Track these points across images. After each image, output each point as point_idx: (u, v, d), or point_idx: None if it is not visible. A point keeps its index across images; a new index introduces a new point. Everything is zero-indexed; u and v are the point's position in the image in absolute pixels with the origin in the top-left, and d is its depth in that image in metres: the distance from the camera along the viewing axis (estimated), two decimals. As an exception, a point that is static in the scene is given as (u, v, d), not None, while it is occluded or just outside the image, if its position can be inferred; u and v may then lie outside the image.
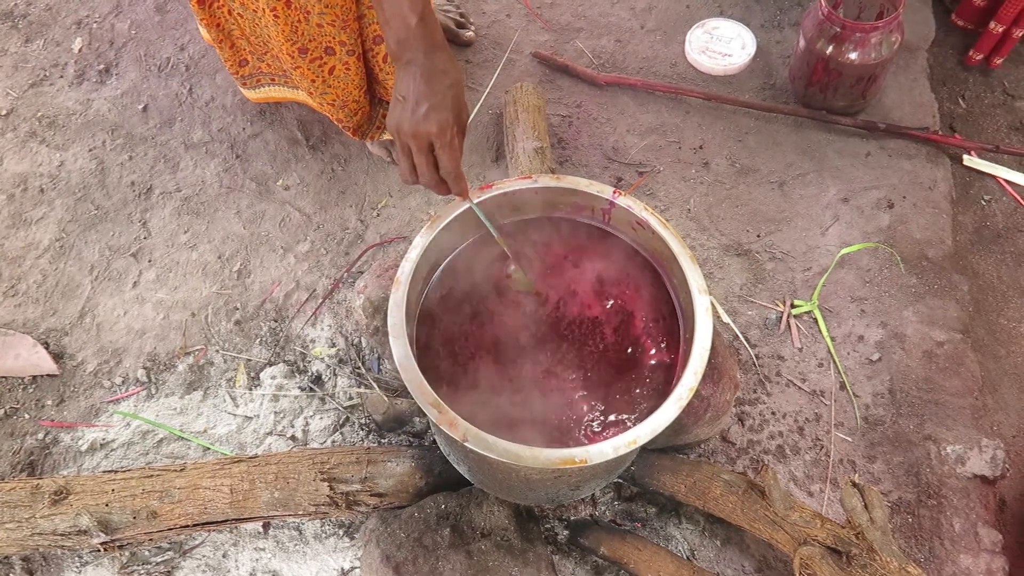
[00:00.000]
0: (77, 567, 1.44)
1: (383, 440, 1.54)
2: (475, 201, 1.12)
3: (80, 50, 2.11)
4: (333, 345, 1.65)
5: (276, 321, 1.69)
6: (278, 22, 1.39)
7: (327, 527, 1.45)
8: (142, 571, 1.43)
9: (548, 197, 1.20)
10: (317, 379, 1.61)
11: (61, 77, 2.07)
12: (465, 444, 0.96)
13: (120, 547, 1.32)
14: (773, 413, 1.55)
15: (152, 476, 1.30)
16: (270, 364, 1.63)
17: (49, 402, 1.61)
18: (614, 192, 1.15)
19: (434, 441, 1.49)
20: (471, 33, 2.06)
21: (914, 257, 1.71)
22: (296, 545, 1.44)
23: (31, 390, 1.63)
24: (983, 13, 1.98)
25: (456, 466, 1.28)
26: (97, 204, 1.86)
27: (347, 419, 1.56)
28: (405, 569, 1.25)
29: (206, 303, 1.72)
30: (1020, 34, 1.90)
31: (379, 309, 1.42)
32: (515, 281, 1.17)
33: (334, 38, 1.46)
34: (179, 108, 1.99)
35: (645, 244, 1.19)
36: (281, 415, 1.57)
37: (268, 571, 1.43)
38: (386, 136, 1.82)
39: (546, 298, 1.19)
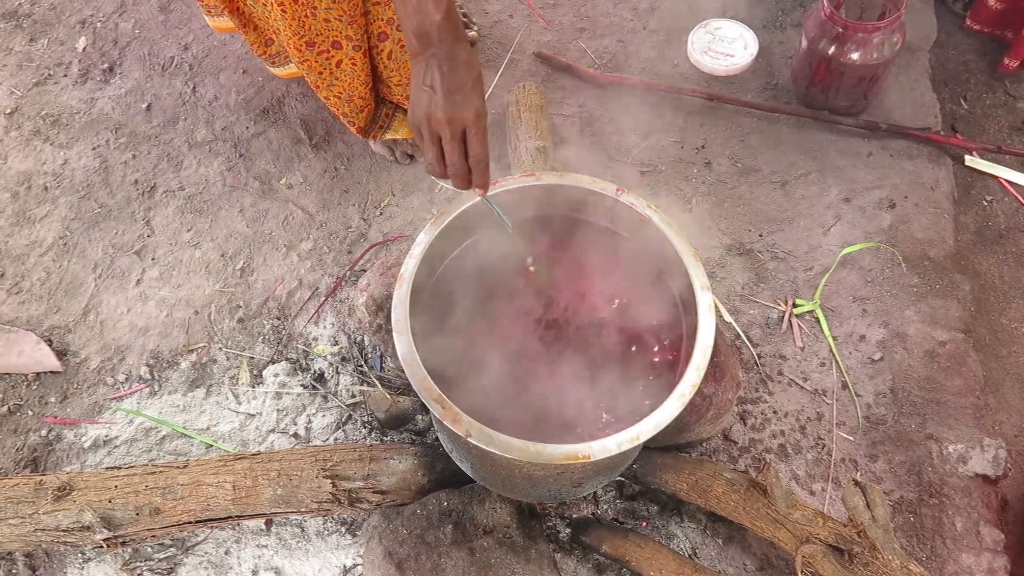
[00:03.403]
0: (80, 563, 1.44)
1: (385, 438, 1.54)
2: (489, 194, 1.12)
3: (84, 49, 2.11)
4: (336, 343, 1.65)
5: (279, 319, 1.69)
6: (285, 16, 1.40)
7: (329, 524, 1.45)
8: (144, 568, 1.43)
9: (551, 195, 1.20)
10: (320, 377, 1.61)
11: (65, 76, 2.08)
12: (468, 440, 0.96)
13: (123, 543, 1.32)
14: (775, 412, 1.55)
15: (155, 473, 1.30)
16: (273, 362, 1.63)
17: (52, 399, 1.62)
18: (617, 190, 1.16)
19: (436, 439, 1.50)
20: (474, 33, 2.07)
21: (916, 257, 1.72)
22: (298, 542, 1.44)
23: (35, 387, 1.64)
24: (1001, 17, 1.98)
25: (459, 463, 1.29)
26: (101, 202, 1.87)
27: (350, 417, 1.56)
28: (407, 566, 1.25)
29: (209, 301, 1.72)
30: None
31: (382, 307, 1.42)
32: (536, 275, 1.17)
33: (341, 33, 1.47)
34: (183, 107, 2.00)
35: (648, 242, 1.19)
36: (284, 413, 1.58)
37: (270, 568, 1.43)
38: (388, 135, 1.82)
39: (550, 295, 1.20)
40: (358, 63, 1.54)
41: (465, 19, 2.08)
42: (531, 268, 1.16)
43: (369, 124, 1.74)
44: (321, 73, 1.54)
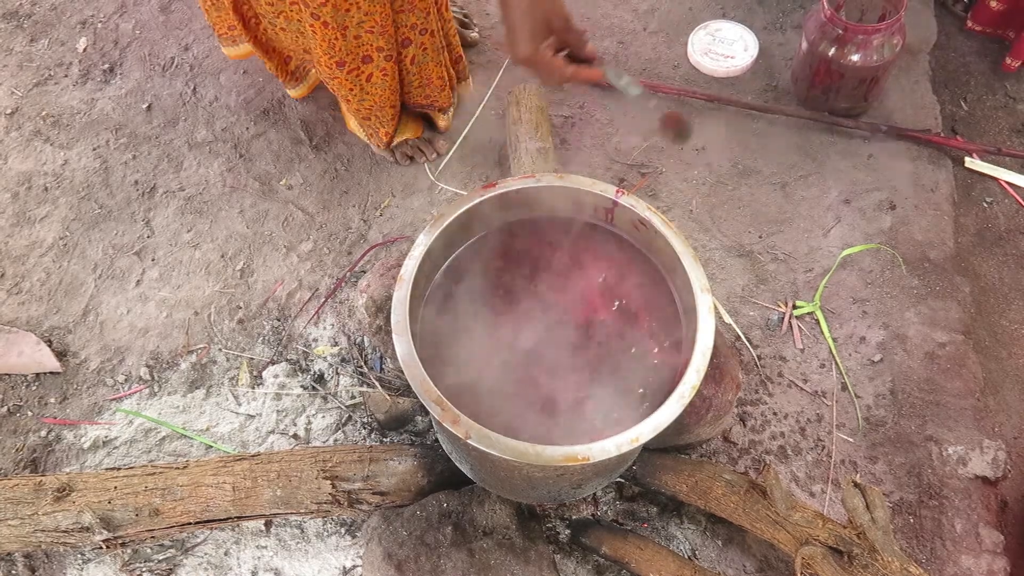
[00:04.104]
0: (79, 564, 1.44)
1: (385, 439, 1.54)
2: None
3: (85, 50, 2.11)
4: (335, 344, 1.65)
5: (279, 320, 1.69)
6: (316, 36, 1.42)
7: (329, 525, 1.45)
8: (144, 569, 1.43)
9: (551, 196, 1.20)
10: (319, 378, 1.61)
11: (66, 76, 2.08)
12: (468, 441, 0.96)
13: (122, 544, 1.32)
14: (775, 413, 1.55)
15: (155, 474, 1.30)
16: (273, 363, 1.63)
17: (52, 399, 1.62)
18: (617, 191, 1.16)
19: (436, 440, 1.50)
20: (475, 34, 2.07)
21: (916, 259, 1.72)
22: (298, 543, 1.44)
23: (34, 387, 1.64)
24: (1002, 17, 1.98)
25: (458, 464, 1.29)
26: (101, 203, 1.87)
27: (349, 418, 1.56)
28: (407, 567, 1.25)
29: (209, 302, 1.72)
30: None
31: (381, 308, 1.42)
32: (614, 81, 1.14)
33: (371, 45, 1.48)
34: (183, 108, 2.00)
35: (648, 244, 1.19)
36: (283, 414, 1.58)
37: (270, 569, 1.43)
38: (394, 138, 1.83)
39: (549, 297, 1.20)
40: (388, 72, 1.56)
41: (466, 20, 2.08)
42: (606, 74, 1.12)
43: (395, 134, 1.77)
44: (352, 89, 1.57)
